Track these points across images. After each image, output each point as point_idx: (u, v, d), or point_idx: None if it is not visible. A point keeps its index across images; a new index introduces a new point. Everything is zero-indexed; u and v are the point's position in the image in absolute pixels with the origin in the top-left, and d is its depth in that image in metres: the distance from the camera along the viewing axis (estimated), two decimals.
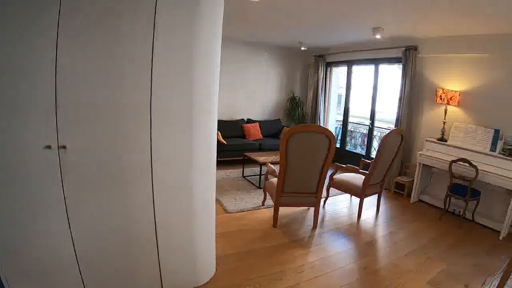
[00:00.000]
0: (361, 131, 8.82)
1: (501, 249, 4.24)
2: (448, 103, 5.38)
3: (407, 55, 5.95)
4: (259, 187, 5.69)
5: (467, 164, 4.74)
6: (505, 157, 4.69)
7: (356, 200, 5.40)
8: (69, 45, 1.98)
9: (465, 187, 4.84)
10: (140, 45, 2.16)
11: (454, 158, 4.95)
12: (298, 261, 3.58)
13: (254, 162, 5.97)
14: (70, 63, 2.01)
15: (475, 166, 4.64)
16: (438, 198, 5.61)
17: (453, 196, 4.97)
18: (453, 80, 5.55)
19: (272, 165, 4.71)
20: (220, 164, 6.58)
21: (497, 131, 4.96)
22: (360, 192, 4.79)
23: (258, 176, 5.96)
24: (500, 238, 4.53)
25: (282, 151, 3.82)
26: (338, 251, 3.91)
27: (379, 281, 3.33)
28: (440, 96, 5.43)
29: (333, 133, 3.80)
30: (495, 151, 4.90)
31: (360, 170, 5.00)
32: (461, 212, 4.98)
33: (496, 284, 3.19)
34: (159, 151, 2.40)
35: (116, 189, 2.33)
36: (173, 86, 2.36)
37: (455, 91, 5.37)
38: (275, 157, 5.89)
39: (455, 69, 5.54)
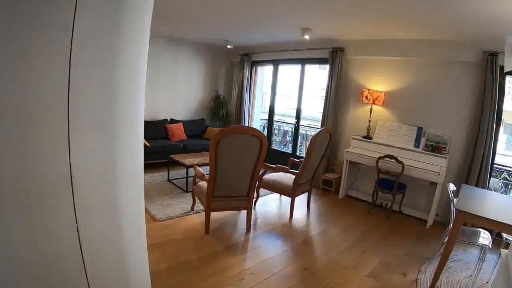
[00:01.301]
0: (287, 130, 8.85)
1: (429, 236, 4.54)
2: (373, 103, 5.53)
3: (334, 56, 6.01)
4: (187, 191, 5.29)
5: (394, 160, 4.92)
6: (428, 152, 4.99)
7: (286, 199, 5.29)
8: None
9: (391, 181, 5.05)
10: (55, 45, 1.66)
11: (380, 155, 5.10)
12: (236, 269, 3.29)
13: (180, 165, 5.56)
14: None
15: (401, 161, 4.85)
16: (365, 192, 5.81)
17: (381, 190, 5.14)
18: (378, 81, 5.76)
19: (200, 168, 4.38)
20: (144, 167, 6.13)
21: (420, 129, 5.28)
22: (291, 192, 4.66)
23: (185, 179, 5.54)
24: (427, 226, 4.87)
25: (211, 154, 3.52)
26: (275, 254, 3.72)
27: (320, 281, 3.23)
28: (366, 96, 5.55)
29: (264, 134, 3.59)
30: (418, 147, 5.20)
31: (290, 170, 4.88)
32: (389, 205, 5.25)
33: (433, 269, 3.37)
34: (79, 162, 1.87)
35: (24, 213, 1.71)
36: (95, 88, 1.87)
37: (380, 92, 5.55)
38: (202, 159, 5.56)
39: (380, 70, 5.76)
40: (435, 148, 5.03)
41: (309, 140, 4.59)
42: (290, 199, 4.75)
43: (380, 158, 5.04)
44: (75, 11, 1.63)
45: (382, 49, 5.60)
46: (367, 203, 5.66)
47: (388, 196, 5.24)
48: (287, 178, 4.83)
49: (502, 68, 4.37)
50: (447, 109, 5.09)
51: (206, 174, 3.91)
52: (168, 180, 5.82)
